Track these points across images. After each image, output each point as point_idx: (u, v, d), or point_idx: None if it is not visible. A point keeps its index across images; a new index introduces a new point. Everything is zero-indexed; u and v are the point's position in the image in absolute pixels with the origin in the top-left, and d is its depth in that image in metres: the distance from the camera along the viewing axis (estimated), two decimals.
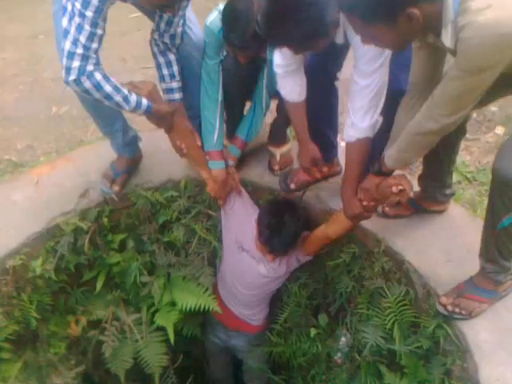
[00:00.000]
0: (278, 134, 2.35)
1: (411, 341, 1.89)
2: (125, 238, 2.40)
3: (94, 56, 1.66)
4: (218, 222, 2.43)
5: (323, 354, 2.28)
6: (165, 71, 2.06)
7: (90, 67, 1.65)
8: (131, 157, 2.33)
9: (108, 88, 1.72)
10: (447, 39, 1.28)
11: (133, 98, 1.82)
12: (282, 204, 2.21)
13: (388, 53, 1.61)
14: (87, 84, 1.67)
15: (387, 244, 2.02)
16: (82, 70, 1.63)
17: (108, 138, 2.25)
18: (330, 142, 2.20)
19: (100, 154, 2.44)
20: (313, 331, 2.25)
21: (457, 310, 1.74)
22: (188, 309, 2.37)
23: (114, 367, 2.35)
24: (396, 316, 1.93)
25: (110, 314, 2.38)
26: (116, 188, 2.27)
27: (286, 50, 1.69)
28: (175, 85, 2.09)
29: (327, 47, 1.63)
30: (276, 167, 2.37)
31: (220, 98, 2.13)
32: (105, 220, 2.28)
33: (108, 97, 1.74)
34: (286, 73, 1.85)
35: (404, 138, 1.59)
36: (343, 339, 2.24)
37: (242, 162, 2.38)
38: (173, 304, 2.43)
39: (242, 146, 2.29)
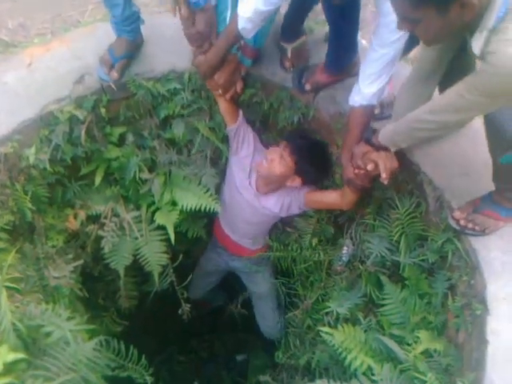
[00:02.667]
0: (289, 28, 2.12)
1: (417, 253, 1.84)
2: (124, 131, 2.26)
3: None
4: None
5: (325, 261, 2.24)
6: None
7: None
8: (131, 39, 2.11)
9: None
10: (477, 45, 1.20)
11: None
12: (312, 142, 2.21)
13: None
14: None
15: (403, 153, 1.88)
16: None
17: (107, 6, 1.99)
18: (352, 46, 2.02)
19: (98, 36, 2.24)
20: (314, 240, 2.19)
21: (470, 225, 1.66)
22: (189, 209, 2.30)
23: (113, 263, 2.33)
24: (404, 228, 1.86)
25: (110, 209, 2.32)
26: (114, 75, 2.09)
27: None
28: None
29: None
30: (287, 64, 2.17)
31: None
32: (102, 110, 2.13)
33: None
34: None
35: (403, 122, 1.59)
36: (345, 248, 2.19)
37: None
38: (173, 203, 2.35)
39: (253, 54, 2.09)
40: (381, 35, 1.64)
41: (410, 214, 1.85)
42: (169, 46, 2.23)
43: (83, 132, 2.11)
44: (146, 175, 2.28)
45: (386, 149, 1.73)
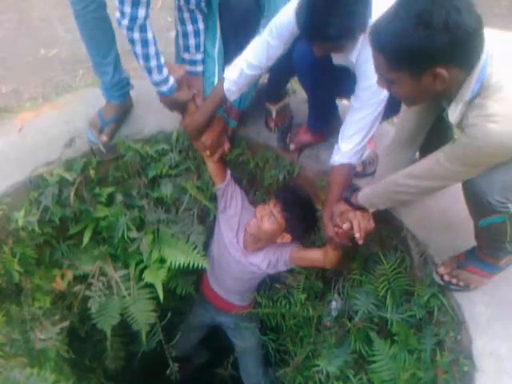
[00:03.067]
0: (273, 90, 2.22)
1: (404, 309, 1.85)
2: (113, 191, 2.30)
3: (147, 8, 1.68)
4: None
5: (314, 317, 2.24)
6: (191, 41, 1.98)
7: (146, 21, 1.69)
8: (120, 103, 2.19)
9: (152, 49, 1.77)
10: (453, 115, 1.29)
11: (165, 71, 1.86)
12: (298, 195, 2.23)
13: None
14: (136, 35, 1.71)
15: (386, 209, 1.93)
16: (136, 18, 1.66)
17: (97, 74, 2.09)
18: (333, 109, 2.12)
19: (88, 101, 2.31)
20: (302, 296, 2.20)
21: (454, 281, 1.68)
22: (177, 266, 2.31)
23: (100, 323, 2.30)
24: (390, 283, 1.88)
25: (97, 268, 2.31)
26: (104, 138, 2.15)
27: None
28: (199, 57, 2.03)
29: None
30: (272, 124, 2.26)
31: (216, 51, 2.04)
32: (92, 172, 2.18)
33: (147, 57, 1.78)
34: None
35: (382, 184, 1.64)
36: (334, 303, 2.20)
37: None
38: (162, 261, 2.36)
39: (237, 116, 2.18)
40: (361, 97, 1.71)
41: (395, 269, 1.88)
42: (157, 108, 2.28)
43: (72, 193, 2.15)
44: (134, 234, 2.30)
45: (363, 209, 1.78)
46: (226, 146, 2.20)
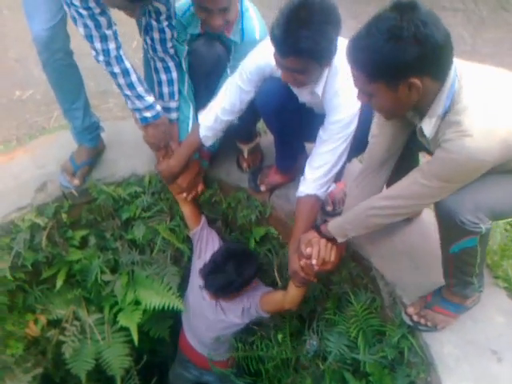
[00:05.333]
0: (244, 130, 2.25)
1: (376, 349, 1.85)
2: (86, 234, 2.30)
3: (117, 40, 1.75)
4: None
5: (292, 358, 2.23)
6: (165, 89, 2.03)
7: (119, 51, 1.76)
8: (92, 147, 2.21)
9: (133, 77, 1.83)
10: (428, 129, 1.33)
11: (149, 98, 1.90)
12: (237, 251, 2.20)
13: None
14: (116, 68, 1.78)
15: (355, 249, 1.96)
16: (109, 51, 1.73)
17: (67, 119, 2.12)
18: (300, 149, 2.14)
19: (61, 144, 2.32)
20: (279, 336, 2.19)
21: (422, 321, 1.70)
22: (152, 308, 2.30)
23: (74, 368, 2.27)
24: (361, 324, 1.88)
25: (71, 313, 2.30)
26: (76, 182, 2.16)
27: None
28: (173, 104, 2.07)
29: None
30: (244, 164, 2.28)
31: (185, 93, 2.07)
32: (64, 216, 2.18)
33: (131, 85, 1.84)
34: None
35: (356, 209, 1.64)
36: (309, 342, 2.19)
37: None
38: (136, 303, 2.35)
39: (209, 156, 2.22)
40: (330, 130, 1.74)
41: (366, 309, 1.89)
42: (130, 151, 2.32)
43: (44, 238, 2.14)
44: (108, 277, 2.29)
45: (332, 240, 1.77)
46: (200, 187, 2.23)
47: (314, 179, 1.82)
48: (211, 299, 2.23)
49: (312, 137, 1.91)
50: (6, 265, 2.07)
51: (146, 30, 1.88)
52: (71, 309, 2.30)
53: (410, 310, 1.73)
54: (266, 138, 2.36)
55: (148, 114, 1.95)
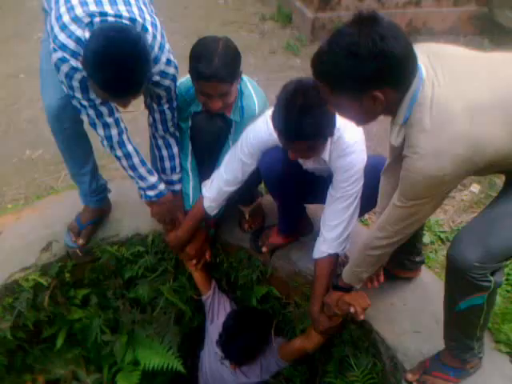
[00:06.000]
0: (245, 195, 2.31)
1: None
2: (88, 293, 2.32)
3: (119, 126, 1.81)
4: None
5: None
6: (167, 164, 2.09)
7: (122, 136, 1.83)
8: (97, 207, 2.26)
9: (135, 160, 1.89)
10: (393, 137, 1.35)
11: (152, 178, 1.97)
12: (247, 314, 2.23)
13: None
14: (119, 152, 1.85)
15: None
16: (111, 137, 1.81)
17: (75, 182, 2.18)
18: (298, 209, 2.16)
19: (68, 204, 2.38)
20: None
21: None
22: (151, 368, 2.28)
23: None
24: None
25: (70, 373, 2.28)
26: (80, 241, 2.20)
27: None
28: (175, 177, 2.14)
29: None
30: (245, 226, 2.33)
31: (189, 166, 2.14)
32: (67, 275, 2.21)
33: (133, 167, 1.91)
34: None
35: (357, 253, 1.67)
36: None
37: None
38: (136, 363, 2.33)
39: (214, 224, 2.29)
40: (341, 188, 1.77)
41: (368, 374, 1.87)
42: (134, 210, 2.37)
43: (47, 297, 2.16)
44: (107, 337, 2.29)
45: (352, 289, 1.79)
46: (208, 254, 2.28)
47: (333, 238, 1.83)
48: (233, 367, 2.23)
49: (313, 199, 1.96)
50: (7, 325, 2.08)
51: (148, 110, 1.96)
52: (70, 369, 2.28)
53: (410, 377, 1.71)
54: (268, 198, 2.41)
55: (151, 193, 2.01)
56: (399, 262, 1.97)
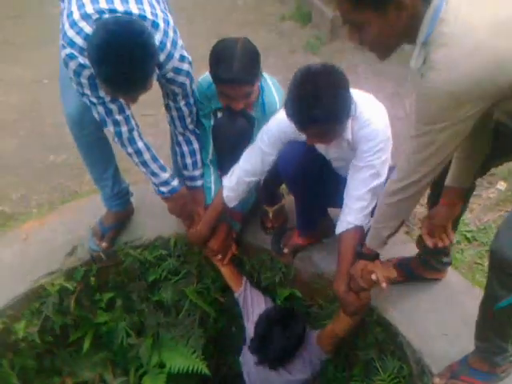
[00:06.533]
0: (268, 193, 2.30)
1: None
2: (113, 296, 2.34)
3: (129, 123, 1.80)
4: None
5: None
6: (188, 160, 2.09)
7: (133, 133, 1.82)
8: (119, 211, 2.28)
9: (146, 156, 1.88)
10: (413, 60, 1.22)
11: (164, 174, 1.96)
12: (277, 315, 2.12)
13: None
14: (130, 149, 1.85)
15: (380, 314, 1.94)
16: (121, 134, 1.81)
17: (97, 186, 2.21)
18: (321, 212, 2.15)
19: (91, 208, 2.40)
20: None
21: None
22: (176, 370, 2.30)
23: None
24: None
25: (97, 376, 2.31)
26: (104, 245, 2.22)
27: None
28: (197, 173, 2.14)
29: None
30: (269, 225, 2.31)
31: (209, 161, 2.15)
32: (92, 279, 2.24)
33: (144, 164, 1.90)
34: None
35: (377, 208, 1.60)
36: None
37: None
38: (161, 365, 2.35)
39: (241, 218, 2.25)
40: (365, 158, 1.71)
41: (395, 378, 1.85)
42: (156, 213, 2.38)
43: (72, 301, 2.19)
44: (133, 340, 2.31)
45: (377, 257, 1.71)
46: (234, 248, 2.25)
47: (358, 209, 1.75)
48: (272, 370, 2.16)
49: (335, 203, 1.93)
50: (35, 329, 2.12)
51: (166, 109, 1.97)
52: (97, 372, 2.32)
53: (437, 381, 1.68)
54: (290, 200, 2.40)
55: (164, 189, 2.00)
56: (425, 261, 1.93)
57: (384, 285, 1.67)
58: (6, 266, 2.19)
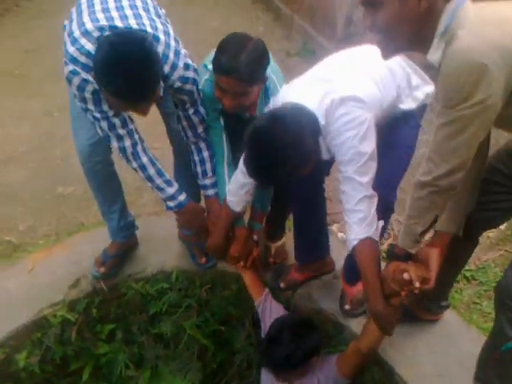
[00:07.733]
0: (273, 229, 2.34)
1: None
2: (113, 328, 2.37)
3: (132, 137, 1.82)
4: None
5: None
6: (198, 169, 2.09)
7: (137, 147, 1.84)
8: (124, 242, 2.33)
9: (151, 171, 1.89)
10: (431, 52, 1.22)
11: (170, 189, 1.95)
12: (293, 321, 1.99)
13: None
14: (134, 164, 1.87)
15: (377, 353, 1.95)
16: (125, 149, 1.83)
17: (104, 219, 2.27)
18: (319, 241, 2.16)
19: (96, 241, 2.45)
20: None
21: None
22: None
23: None
24: None
25: None
26: (102, 270, 2.26)
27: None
28: (208, 181, 2.12)
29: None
30: (271, 260, 2.35)
31: (225, 170, 2.09)
32: (94, 311, 2.27)
33: (149, 178, 1.91)
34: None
35: (408, 203, 1.50)
36: None
37: None
38: None
39: (261, 218, 2.19)
40: (346, 172, 1.64)
41: None
42: (159, 246, 2.44)
43: (74, 332, 2.23)
44: (132, 372, 2.33)
45: (410, 257, 1.59)
46: (255, 251, 2.18)
47: (357, 222, 1.64)
48: (279, 381, 2.00)
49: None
50: (36, 359, 2.15)
51: (177, 120, 1.98)
52: None
53: None
54: (291, 236, 2.44)
55: (171, 204, 2.00)
56: (424, 305, 1.95)
57: (417, 284, 1.52)
58: (10, 297, 2.23)
